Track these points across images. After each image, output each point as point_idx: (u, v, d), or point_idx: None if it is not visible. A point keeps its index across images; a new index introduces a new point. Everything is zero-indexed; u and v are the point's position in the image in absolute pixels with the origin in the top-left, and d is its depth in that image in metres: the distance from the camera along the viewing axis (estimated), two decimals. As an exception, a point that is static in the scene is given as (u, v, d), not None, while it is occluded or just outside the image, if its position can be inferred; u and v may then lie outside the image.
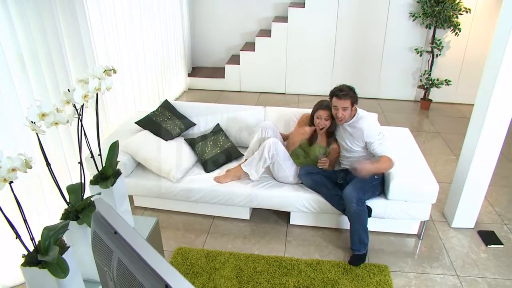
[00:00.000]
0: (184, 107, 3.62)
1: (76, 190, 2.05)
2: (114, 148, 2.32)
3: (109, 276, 1.22)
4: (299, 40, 5.59)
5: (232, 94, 5.93)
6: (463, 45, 5.26)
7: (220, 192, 3.01)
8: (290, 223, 3.11)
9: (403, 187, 2.78)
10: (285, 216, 3.17)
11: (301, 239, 2.98)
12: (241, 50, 5.82)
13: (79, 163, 1.92)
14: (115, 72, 2.06)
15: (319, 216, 3.05)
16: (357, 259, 2.72)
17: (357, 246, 2.70)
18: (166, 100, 3.66)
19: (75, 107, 1.89)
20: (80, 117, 1.86)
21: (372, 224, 2.93)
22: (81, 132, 1.88)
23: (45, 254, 1.65)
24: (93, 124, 2.29)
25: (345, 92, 2.72)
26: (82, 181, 2.03)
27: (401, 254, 2.84)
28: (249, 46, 5.92)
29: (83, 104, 1.85)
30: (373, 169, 2.67)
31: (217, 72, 6.22)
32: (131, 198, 3.29)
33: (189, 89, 6.15)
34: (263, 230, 3.07)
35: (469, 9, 4.84)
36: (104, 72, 1.97)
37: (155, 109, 3.54)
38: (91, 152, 2.10)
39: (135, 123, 3.40)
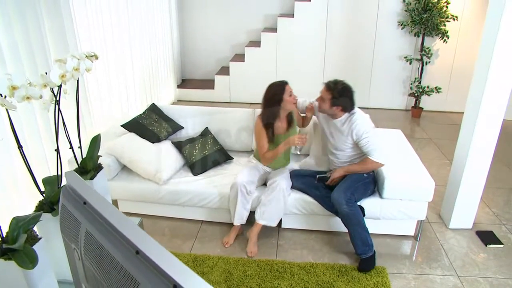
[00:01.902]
0: (172, 110, 3.53)
1: (52, 182, 1.92)
2: (95, 141, 2.21)
3: (77, 254, 1.09)
4: (289, 50, 5.59)
5: (222, 105, 5.85)
6: (452, 53, 5.29)
7: (208, 194, 2.89)
8: (282, 226, 2.98)
9: (398, 185, 2.69)
10: (276, 219, 3.03)
11: (293, 243, 2.84)
12: (230, 61, 5.79)
13: (55, 150, 1.80)
14: (96, 58, 1.98)
15: (311, 219, 2.92)
16: (366, 263, 2.55)
17: (361, 249, 2.55)
18: (153, 103, 3.56)
19: (53, 92, 1.79)
20: (57, 99, 1.75)
21: (367, 226, 2.81)
22: (58, 116, 1.77)
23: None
24: (73, 118, 2.18)
25: (332, 86, 2.59)
26: (59, 173, 1.91)
27: (398, 255, 2.71)
28: (239, 57, 5.90)
29: (61, 86, 1.75)
30: (341, 172, 2.70)
31: (207, 83, 6.17)
32: (115, 203, 3.13)
33: (178, 100, 6.08)
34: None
35: (456, 17, 4.90)
36: (85, 57, 1.88)
37: (141, 112, 3.44)
38: (70, 142, 1.98)
39: (121, 126, 3.29)
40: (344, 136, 2.67)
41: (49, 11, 2.58)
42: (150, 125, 3.30)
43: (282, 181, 2.73)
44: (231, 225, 3.01)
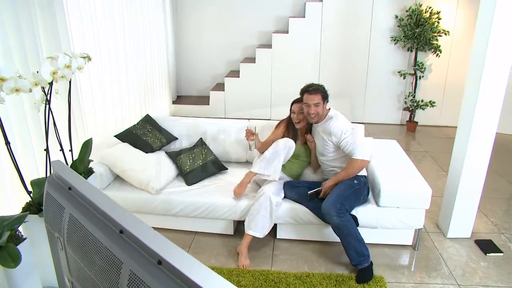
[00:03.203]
0: (166, 121, 3.51)
1: (40, 183, 1.87)
2: (87, 145, 2.18)
3: (60, 243, 1.04)
4: (284, 65, 5.63)
5: (217, 121, 5.85)
6: (445, 67, 5.36)
7: (202, 204, 2.83)
8: (277, 237, 2.91)
9: (394, 192, 2.65)
10: (271, 230, 2.97)
11: (289, 253, 2.77)
12: (225, 77, 5.82)
13: (45, 150, 1.76)
14: (89, 59, 1.97)
15: (306, 229, 2.86)
16: (363, 274, 2.47)
17: (356, 260, 2.48)
18: (148, 114, 3.55)
19: (44, 91, 1.77)
20: (48, 98, 1.73)
21: (364, 236, 2.73)
22: (48, 115, 1.75)
23: (-4, 244, 1.45)
24: (65, 122, 2.14)
25: (315, 87, 2.71)
26: (48, 174, 1.87)
27: (396, 265, 2.65)
28: (234, 73, 5.94)
29: (52, 85, 1.73)
30: (331, 182, 2.66)
31: (202, 100, 6.19)
32: (107, 214, 3.06)
33: (173, 116, 6.07)
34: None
35: (448, 31, 4.98)
36: (78, 56, 1.87)
37: (135, 123, 3.41)
38: (60, 144, 1.95)
39: (114, 136, 3.26)
40: (324, 141, 2.74)
41: (43, 16, 2.58)
42: (144, 135, 3.27)
43: (268, 189, 2.70)
44: (227, 236, 2.96)
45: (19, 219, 1.57)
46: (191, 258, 0.71)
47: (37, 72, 1.70)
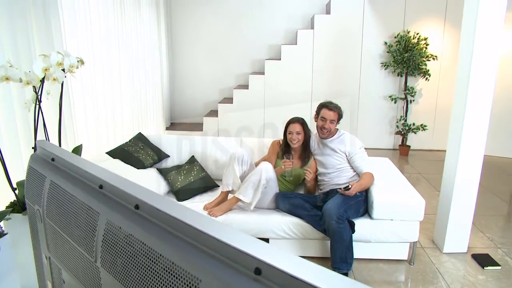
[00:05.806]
0: (158, 139, 3.50)
1: (25, 184, 1.84)
2: (77, 151, 2.17)
3: (39, 215, 1.01)
4: (276, 91, 5.70)
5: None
6: (435, 92, 5.47)
7: (193, 218, 2.77)
8: (270, 253, 2.83)
9: (387, 204, 2.63)
10: (264, 246, 2.90)
11: (282, 269, 2.69)
12: (219, 103, 5.88)
13: (33, 148, 1.75)
14: (82, 63, 2.00)
15: (300, 244, 2.79)
16: None
17: (337, 263, 2.48)
18: (140, 132, 3.55)
19: (35, 91, 1.77)
20: (39, 97, 1.74)
21: (359, 251, 2.69)
22: (38, 113, 1.75)
23: (-25, 237, 1.40)
24: (55, 129, 2.13)
25: (334, 105, 2.85)
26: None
27: (392, 280, 2.57)
28: (228, 100, 6.01)
29: (43, 83, 1.74)
30: (358, 188, 2.65)
31: (196, 126, 6.21)
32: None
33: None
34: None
35: (436, 56, 5.13)
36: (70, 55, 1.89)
37: (127, 140, 3.40)
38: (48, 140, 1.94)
39: (106, 153, 3.24)
40: (337, 153, 2.81)
41: (38, 26, 2.62)
42: (136, 152, 3.25)
43: (266, 166, 2.73)
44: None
45: (0, 215, 1.53)
46: (168, 198, 0.70)
47: (29, 71, 1.71)
